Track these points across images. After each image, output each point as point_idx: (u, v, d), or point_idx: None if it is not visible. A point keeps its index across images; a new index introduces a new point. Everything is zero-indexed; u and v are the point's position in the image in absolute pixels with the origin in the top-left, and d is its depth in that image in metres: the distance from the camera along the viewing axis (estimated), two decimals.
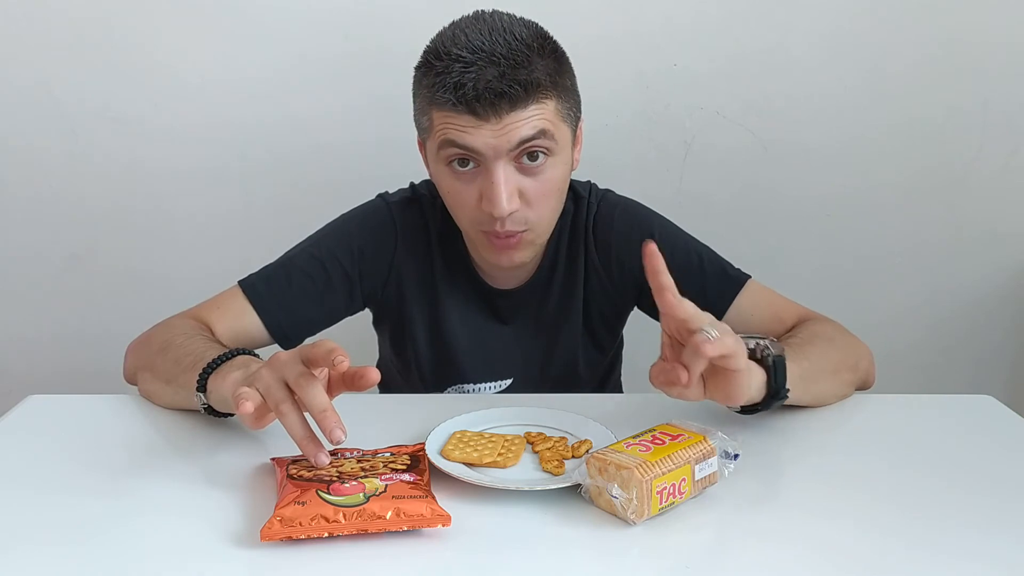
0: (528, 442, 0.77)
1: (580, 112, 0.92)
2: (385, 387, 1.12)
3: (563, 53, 0.89)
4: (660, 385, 0.71)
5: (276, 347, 0.95)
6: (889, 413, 0.88)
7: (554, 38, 0.88)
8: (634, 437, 0.69)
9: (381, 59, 1.46)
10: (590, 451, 0.72)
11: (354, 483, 0.64)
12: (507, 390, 1.05)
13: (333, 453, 0.70)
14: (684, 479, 0.66)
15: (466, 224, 0.93)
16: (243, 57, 1.50)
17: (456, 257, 1.02)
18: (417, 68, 0.89)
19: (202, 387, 0.77)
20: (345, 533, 0.61)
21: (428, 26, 0.89)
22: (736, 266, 1.02)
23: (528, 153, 0.86)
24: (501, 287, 1.02)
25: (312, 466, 0.67)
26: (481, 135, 0.83)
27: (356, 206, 1.04)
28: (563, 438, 0.77)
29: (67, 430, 0.82)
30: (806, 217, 1.61)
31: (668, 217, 1.05)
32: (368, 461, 0.69)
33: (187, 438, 0.79)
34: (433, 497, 0.64)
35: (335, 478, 0.65)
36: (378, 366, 1.15)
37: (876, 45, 1.52)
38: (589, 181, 1.06)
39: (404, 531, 0.62)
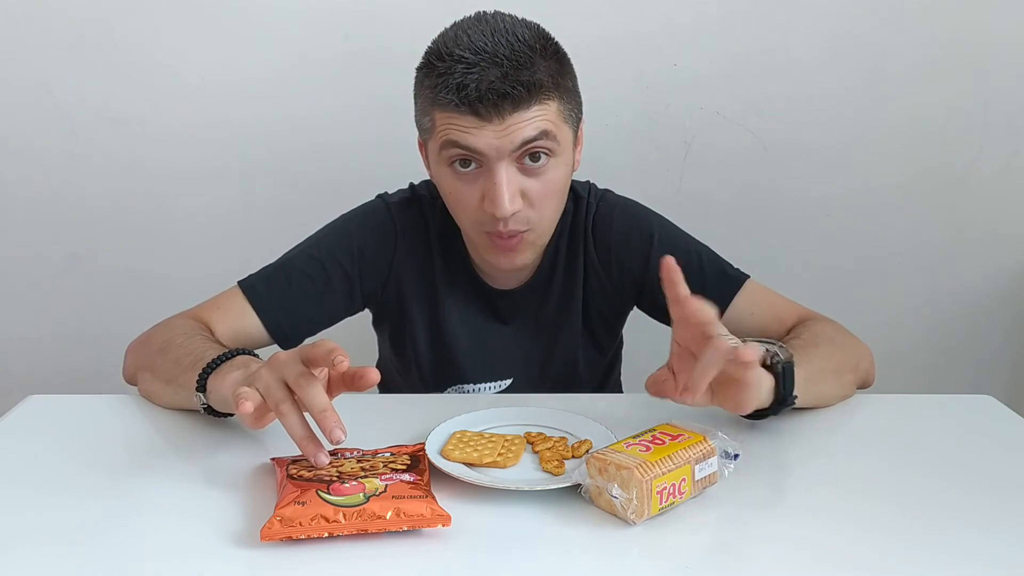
0: (528, 442, 0.77)
1: (581, 113, 0.92)
2: (385, 387, 1.12)
3: (565, 54, 0.89)
4: (656, 393, 0.72)
5: (276, 347, 0.95)
6: (889, 413, 0.89)
7: (555, 39, 0.89)
8: (634, 437, 0.69)
9: (381, 59, 1.46)
10: (590, 451, 0.72)
11: (354, 483, 0.64)
12: (507, 390, 1.05)
13: (333, 453, 0.70)
14: (684, 479, 0.66)
15: (468, 225, 0.93)
16: (243, 57, 1.50)
17: (456, 257, 1.02)
18: (419, 69, 0.89)
19: (202, 387, 0.77)
20: (345, 533, 0.61)
21: (428, 26, 0.89)
22: (736, 266, 1.02)
23: (530, 154, 0.86)
24: (501, 287, 1.02)
25: (312, 466, 0.67)
26: (483, 136, 0.83)
27: (356, 207, 1.04)
28: (563, 438, 0.77)
29: (67, 430, 0.82)
30: (806, 217, 1.61)
31: (668, 217, 1.05)
32: (368, 461, 0.69)
33: (187, 438, 0.79)
34: (433, 497, 0.64)
35: (335, 478, 0.65)
36: (378, 366, 1.15)
37: (876, 46, 1.52)
38: (588, 181, 1.06)
39: (404, 531, 0.62)
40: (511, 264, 0.93)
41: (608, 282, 1.03)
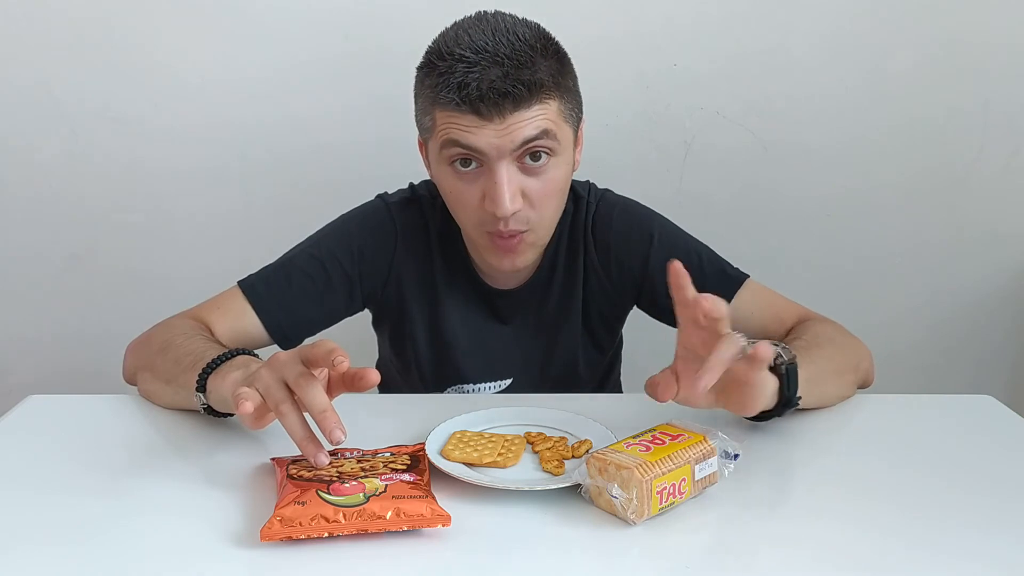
0: (528, 442, 0.77)
1: (582, 112, 0.92)
2: (385, 387, 1.12)
3: (565, 54, 0.89)
4: (657, 395, 0.73)
5: (276, 347, 0.95)
6: (889, 413, 0.88)
7: (556, 39, 0.89)
8: (634, 437, 0.69)
9: (381, 59, 1.46)
10: (590, 451, 0.72)
11: (354, 483, 0.64)
12: (507, 390, 1.05)
13: (333, 453, 0.70)
14: (684, 479, 0.66)
15: (468, 225, 0.93)
16: (243, 57, 1.50)
17: (456, 257, 1.02)
18: (419, 68, 0.89)
19: (202, 387, 0.77)
20: (345, 533, 0.61)
21: (428, 26, 0.89)
22: (735, 266, 1.02)
23: (531, 153, 0.86)
24: (501, 287, 1.02)
25: (312, 466, 0.67)
26: (484, 135, 0.83)
27: (355, 207, 1.04)
28: (563, 438, 0.77)
29: (67, 430, 0.82)
30: (806, 217, 1.61)
31: (668, 217, 1.05)
32: (368, 461, 0.69)
33: (187, 438, 0.79)
34: (433, 497, 0.64)
35: (335, 478, 0.65)
36: (377, 366, 1.15)
37: (876, 45, 1.52)
38: (588, 181, 1.06)
39: (404, 531, 0.62)
40: (511, 265, 0.93)
41: (608, 282, 1.03)
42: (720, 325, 0.68)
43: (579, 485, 0.67)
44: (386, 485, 0.64)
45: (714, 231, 1.10)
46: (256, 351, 0.83)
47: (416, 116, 0.91)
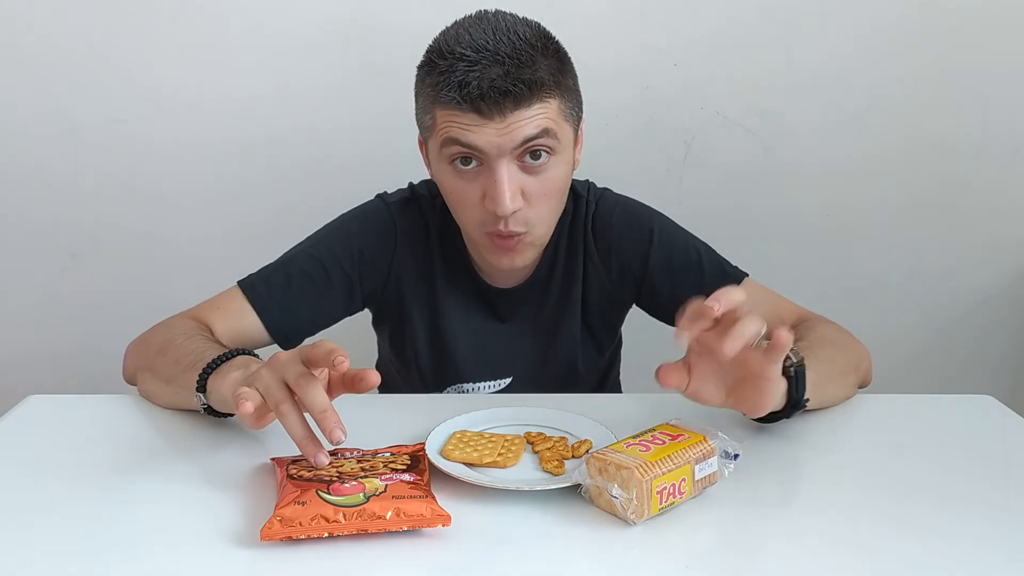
0: (528, 442, 0.77)
1: (582, 112, 0.92)
2: (385, 387, 1.12)
3: (565, 53, 0.89)
4: (667, 383, 0.71)
5: (276, 347, 0.95)
6: (890, 413, 0.88)
7: (556, 38, 0.89)
8: (634, 437, 0.69)
9: (382, 69, 1.46)
10: (590, 451, 0.72)
11: (354, 483, 0.64)
12: (506, 389, 1.05)
13: (333, 453, 0.70)
14: (684, 479, 0.66)
15: (468, 224, 0.93)
16: (242, 68, 1.50)
17: (455, 257, 1.02)
18: (420, 67, 0.89)
19: (202, 387, 0.77)
20: (345, 533, 0.61)
21: (428, 34, 0.89)
22: (734, 264, 1.02)
23: (531, 152, 0.86)
24: (500, 286, 1.02)
25: (312, 466, 0.67)
26: (485, 134, 0.83)
27: (355, 206, 1.04)
28: (563, 438, 0.77)
29: (67, 430, 0.82)
30: (806, 218, 1.61)
31: (668, 217, 1.05)
32: (368, 461, 0.69)
33: (187, 438, 0.79)
34: (433, 497, 0.64)
35: (335, 478, 0.65)
36: (377, 366, 1.16)
37: (877, 46, 1.52)
38: (587, 180, 1.06)
39: (404, 531, 0.62)
40: (511, 264, 0.93)
41: (608, 280, 1.03)
42: (739, 310, 0.67)
43: (579, 485, 0.67)
44: (386, 485, 0.64)
45: (714, 231, 1.10)
46: (256, 351, 0.83)
47: (416, 114, 0.91)
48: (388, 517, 0.61)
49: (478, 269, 1.02)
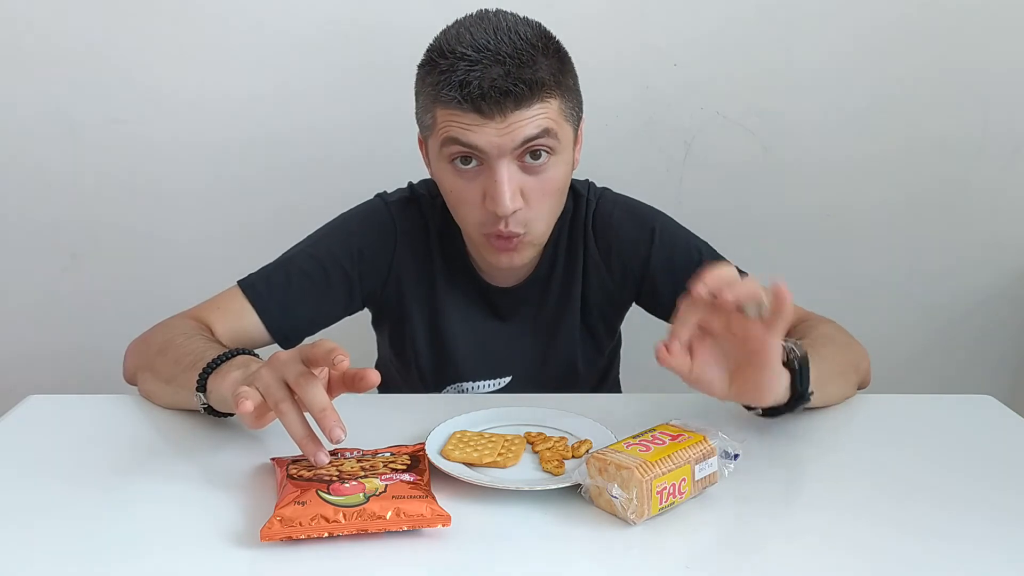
0: (528, 442, 0.77)
1: (582, 111, 0.93)
2: (384, 387, 1.12)
3: (566, 53, 0.89)
4: (662, 355, 0.70)
5: (276, 347, 0.95)
6: (890, 413, 0.88)
7: (557, 38, 0.89)
8: (634, 437, 0.69)
9: (382, 71, 1.46)
10: (590, 451, 0.72)
11: (354, 483, 0.64)
12: (505, 388, 1.05)
13: (333, 453, 0.70)
14: (684, 479, 0.66)
15: (467, 224, 0.93)
16: (242, 68, 1.49)
17: (455, 256, 1.02)
18: (420, 66, 0.89)
19: (202, 387, 0.77)
20: (345, 533, 0.61)
21: (429, 34, 0.89)
22: (736, 265, 1.02)
23: (531, 152, 0.86)
24: (500, 285, 1.02)
25: (312, 466, 0.67)
26: (485, 133, 0.83)
27: (354, 206, 1.04)
28: (563, 438, 0.77)
29: (67, 430, 0.82)
30: (807, 218, 1.61)
31: (668, 216, 1.05)
32: (368, 461, 0.69)
33: (187, 438, 0.79)
34: (433, 497, 0.64)
35: (335, 478, 0.65)
36: (377, 366, 1.16)
37: (877, 46, 1.52)
38: (587, 179, 1.06)
39: (404, 531, 0.62)
40: (509, 263, 0.93)
41: (609, 279, 1.03)
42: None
43: (579, 485, 0.67)
44: (386, 485, 0.64)
45: (714, 231, 1.10)
46: (256, 351, 0.83)
47: (416, 113, 0.92)
48: (388, 517, 0.61)
49: (478, 268, 1.02)
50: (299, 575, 0.59)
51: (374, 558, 0.60)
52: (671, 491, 0.65)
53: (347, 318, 1.03)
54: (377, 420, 0.82)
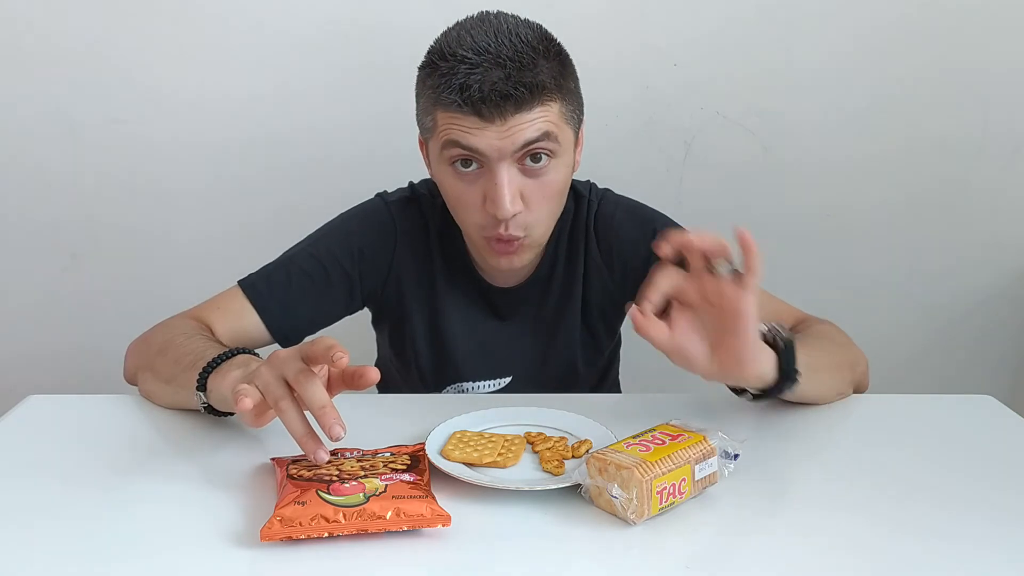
0: (528, 442, 0.77)
1: (583, 114, 0.92)
2: (384, 386, 1.12)
3: (567, 55, 0.89)
4: (639, 321, 0.71)
5: (276, 347, 0.95)
6: (890, 413, 0.88)
7: (558, 40, 0.88)
8: (634, 437, 0.69)
9: (382, 71, 1.46)
10: (590, 451, 0.72)
11: (354, 483, 0.64)
12: (506, 389, 1.05)
13: (333, 453, 0.70)
14: (684, 479, 0.66)
15: (467, 226, 0.93)
16: (242, 68, 1.49)
17: (456, 256, 1.02)
18: (421, 68, 0.89)
19: (202, 386, 0.77)
20: (345, 533, 0.61)
21: (429, 35, 0.89)
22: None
23: (531, 155, 0.86)
24: (501, 285, 1.02)
25: (312, 466, 0.67)
26: (485, 137, 0.83)
27: (355, 205, 1.04)
28: (563, 438, 0.77)
29: (67, 430, 0.82)
30: (807, 218, 1.61)
31: (669, 217, 1.05)
32: (368, 461, 0.69)
33: (187, 438, 0.79)
34: (433, 497, 0.64)
35: (335, 478, 0.65)
36: (377, 365, 1.15)
37: (877, 46, 1.52)
38: (589, 180, 1.06)
39: (404, 531, 0.62)
40: (509, 266, 0.93)
41: (610, 279, 1.03)
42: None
43: (579, 485, 0.67)
44: (386, 485, 0.64)
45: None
46: (257, 351, 0.83)
47: (417, 115, 0.92)
48: (388, 517, 0.61)
49: (478, 268, 1.02)
50: (299, 575, 0.59)
51: (374, 558, 0.60)
52: (671, 491, 0.65)
53: (347, 317, 1.03)
54: (377, 420, 0.82)
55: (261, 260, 1.00)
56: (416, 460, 0.70)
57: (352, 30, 1.48)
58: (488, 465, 0.72)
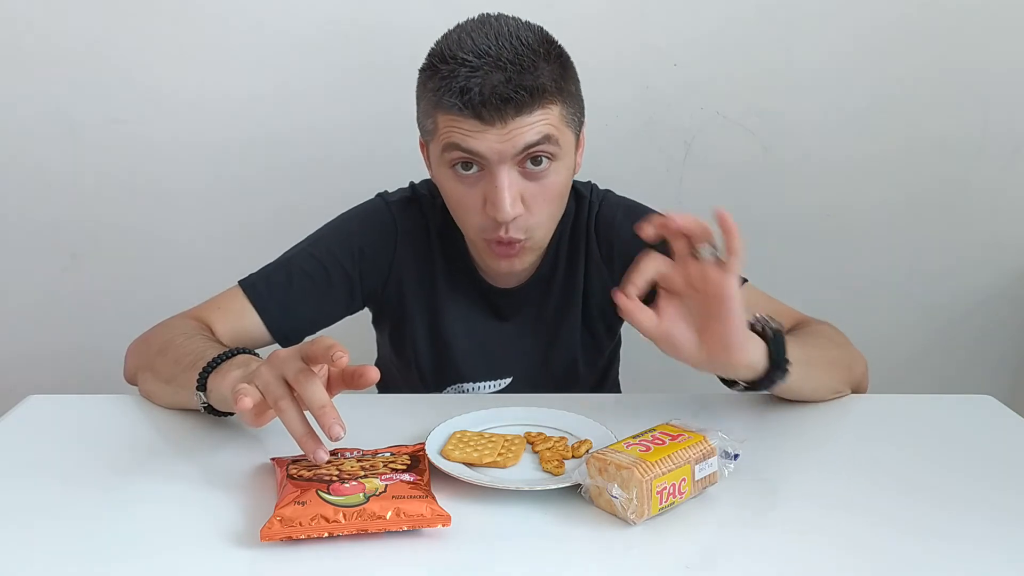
0: (528, 442, 0.77)
1: (584, 116, 0.92)
2: (384, 386, 1.11)
3: (568, 58, 0.89)
4: (632, 315, 0.72)
5: (277, 347, 0.95)
6: (890, 413, 0.89)
7: (559, 42, 0.88)
8: (634, 437, 0.69)
9: (382, 71, 1.46)
10: (590, 451, 0.72)
11: (354, 483, 0.64)
12: (506, 389, 1.05)
13: (333, 453, 0.70)
14: (684, 479, 0.66)
15: (468, 228, 0.93)
16: (242, 68, 1.50)
17: (456, 256, 1.02)
18: (422, 70, 0.89)
19: (202, 386, 0.77)
20: (345, 533, 0.61)
21: (429, 35, 0.89)
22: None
23: (532, 158, 0.86)
24: (502, 286, 1.02)
25: (312, 466, 0.67)
26: (486, 140, 0.83)
27: (355, 205, 1.04)
28: (563, 438, 0.77)
29: (67, 430, 0.82)
30: (807, 218, 1.61)
31: None
32: (368, 461, 0.69)
33: (187, 438, 0.79)
34: (433, 497, 0.64)
35: (335, 478, 0.65)
36: (377, 365, 1.15)
37: (877, 46, 1.52)
38: (590, 181, 1.06)
39: (404, 531, 0.62)
40: (510, 268, 0.93)
41: (611, 280, 1.03)
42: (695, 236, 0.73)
43: (579, 485, 0.67)
44: (386, 485, 0.64)
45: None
46: (257, 351, 0.83)
47: (418, 117, 0.91)
48: (388, 517, 0.61)
49: (479, 269, 1.02)
50: (299, 575, 0.59)
51: (374, 558, 0.60)
52: (671, 491, 0.65)
53: (347, 317, 1.03)
54: (377, 420, 0.82)
55: (261, 260, 1.00)
56: (416, 460, 0.70)
57: (352, 30, 1.48)
58: (488, 465, 0.72)
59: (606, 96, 1.47)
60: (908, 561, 0.61)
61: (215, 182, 1.56)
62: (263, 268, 0.99)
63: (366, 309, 1.07)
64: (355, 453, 0.71)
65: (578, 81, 0.91)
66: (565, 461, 0.73)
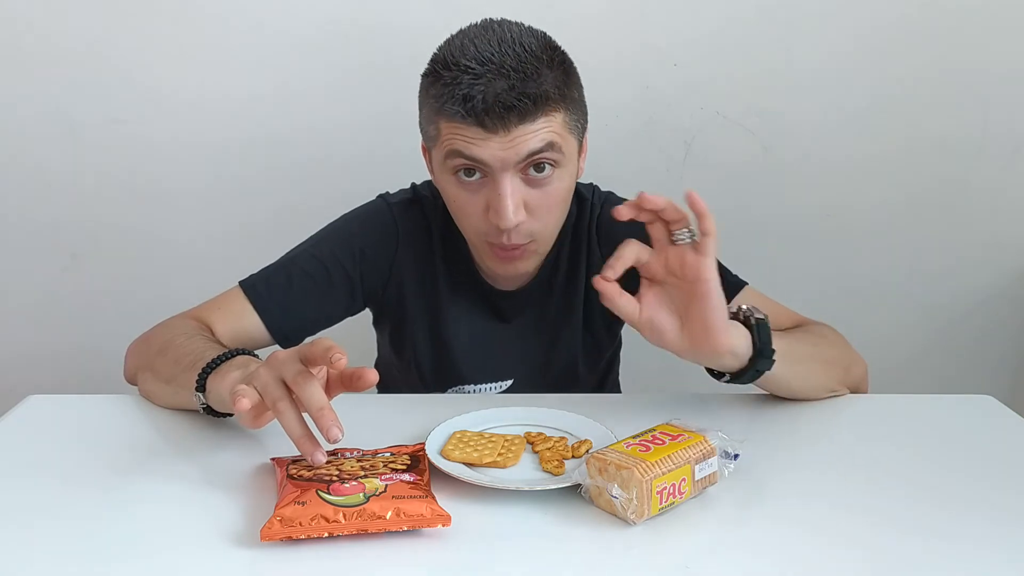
0: (528, 442, 0.77)
1: (587, 122, 0.92)
2: (384, 387, 1.12)
3: (571, 64, 0.89)
4: (613, 301, 0.76)
5: (277, 348, 0.95)
6: (890, 413, 0.88)
7: (562, 48, 0.88)
8: (634, 437, 0.69)
9: (382, 71, 1.46)
10: (590, 451, 0.72)
11: (354, 483, 0.64)
12: (507, 391, 1.05)
13: (333, 453, 0.70)
14: (684, 479, 0.66)
15: (470, 233, 0.93)
16: (242, 68, 1.50)
17: (458, 258, 1.02)
18: (424, 76, 0.88)
19: (201, 387, 0.77)
20: (345, 533, 0.61)
21: (430, 37, 0.89)
22: (735, 271, 1.02)
23: (535, 165, 0.85)
24: (503, 288, 1.02)
25: (312, 466, 0.67)
26: (489, 147, 0.83)
27: (357, 206, 1.04)
28: (563, 438, 0.77)
29: (67, 430, 0.82)
30: (807, 218, 1.61)
31: None
32: (368, 461, 0.69)
33: (187, 438, 0.79)
34: (433, 497, 0.64)
35: (335, 478, 0.65)
36: (377, 366, 1.16)
37: (877, 46, 1.52)
38: (592, 183, 1.06)
39: (404, 531, 0.62)
40: (513, 271, 0.93)
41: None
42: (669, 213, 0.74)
43: (579, 485, 0.67)
44: (386, 485, 0.64)
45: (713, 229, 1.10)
46: (257, 351, 0.83)
47: (420, 123, 0.91)
48: (388, 517, 0.61)
49: (480, 271, 1.02)
50: (299, 575, 0.59)
51: (374, 558, 0.60)
52: (671, 491, 0.65)
53: (348, 318, 1.03)
54: (377, 420, 0.82)
55: (261, 260, 1.00)
56: (416, 460, 0.70)
57: (352, 30, 1.48)
58: (488, 465, 0.72)
59: (606, 96, 1.47)
60: (908, 561, 0.61)
61: (215, 182, 1.56)
62: (263, 269, 0.98)
63: (367, 310, 1.07)
64: (355, 453, 0.71)
65: (581, 87, 0.90)
66: (565, 461, 0.73)
